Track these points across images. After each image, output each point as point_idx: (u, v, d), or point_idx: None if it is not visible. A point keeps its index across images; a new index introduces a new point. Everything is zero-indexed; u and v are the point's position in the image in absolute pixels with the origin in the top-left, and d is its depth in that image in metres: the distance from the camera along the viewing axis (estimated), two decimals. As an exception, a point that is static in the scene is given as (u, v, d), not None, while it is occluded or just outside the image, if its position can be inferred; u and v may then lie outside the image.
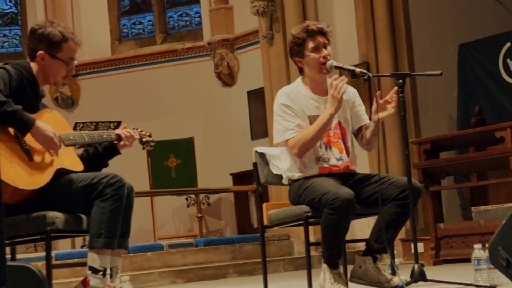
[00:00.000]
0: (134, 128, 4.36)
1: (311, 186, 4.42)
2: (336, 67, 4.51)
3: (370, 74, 4.52)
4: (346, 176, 4.53)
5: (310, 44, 4.55)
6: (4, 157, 3.73)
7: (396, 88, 4.54)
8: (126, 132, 4.23)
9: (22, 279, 3.28)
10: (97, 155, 4.24)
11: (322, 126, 4.46)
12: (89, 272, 3.85)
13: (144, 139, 4.37)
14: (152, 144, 4.40)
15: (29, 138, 3.86)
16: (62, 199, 3.90)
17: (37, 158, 3.87)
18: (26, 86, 3.94)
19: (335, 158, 4.53)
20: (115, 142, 4.22)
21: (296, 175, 4.54)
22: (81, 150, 4.25)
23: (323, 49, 4.57)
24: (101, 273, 3.84)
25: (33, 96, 3.98)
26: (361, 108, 4.74)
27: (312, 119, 4.52)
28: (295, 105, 4.53)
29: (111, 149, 4.25)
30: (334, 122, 4.56)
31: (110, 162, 4.34)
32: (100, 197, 3.86)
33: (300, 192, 4.48)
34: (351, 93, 4.71)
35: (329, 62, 4.51)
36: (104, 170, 4.32)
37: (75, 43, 4.08)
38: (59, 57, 4.02)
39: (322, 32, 4.59)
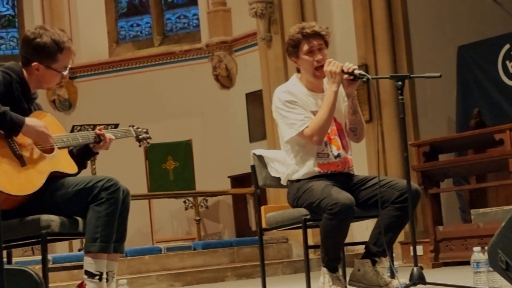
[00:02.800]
0: (130, 126, 4.33)
1: (310, 189, 4.39)
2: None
3: (369, 76, 4.49)
4: (345, 178, 4.51)
5: (305, 47, 4.53)
6: None
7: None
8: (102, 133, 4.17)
9: (19, 283, 3.27)
10: (73, 157, 4.17)
11: (331, 106, 4.43)
12: (86, 276, 3.83)
13: (140, 136, 4.35)
14: (149, 141, 4.38)
15: (20, 143, 3.83)
16: (57, 203, 3.87)
17: (29, 162, 3.84)
18: (15, 90, 3.90)
19: (333, 155, 4.52)
20: (90, 145, 4.16)
21: (296, 175, 4.51)
22: None
23: (318, 52, 4.53)
24: (97, 277, 3.82)
25: (23, 99, 3.94)
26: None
27: (314, 114, 4.49)
28: (298, 99, 4.51)
29: (86, 151, 4.19)
30: None
31: (109, 164, 4.34)
32: (95, 201, 3.84)
33: (299, 195, 4.46)
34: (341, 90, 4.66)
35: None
36: (104, 168, 4.29)
37: (70, 52, 4.05)
38: (54, 68, 3.99)
39: (318, 35, 4.54)
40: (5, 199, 3.71)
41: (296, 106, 4.50)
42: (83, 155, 4.20)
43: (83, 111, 12.20)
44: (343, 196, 4.21)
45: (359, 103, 4.76)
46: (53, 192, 3.87)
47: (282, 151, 4.66)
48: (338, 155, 4.52)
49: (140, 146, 4.42)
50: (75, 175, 4.01)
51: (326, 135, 4.51)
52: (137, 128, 4.37)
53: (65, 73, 4.06)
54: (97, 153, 4.24)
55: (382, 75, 8.61)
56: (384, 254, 4.44)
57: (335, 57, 8.51)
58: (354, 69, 4.43)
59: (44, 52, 3.96)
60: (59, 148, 3.98)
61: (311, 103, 4.54)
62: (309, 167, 4.50)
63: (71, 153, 4.17)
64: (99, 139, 4.16)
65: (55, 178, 3.90)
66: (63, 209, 3.89)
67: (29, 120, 3.82)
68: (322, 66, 4.49)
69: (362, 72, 4.48)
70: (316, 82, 4.56)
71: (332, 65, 4.42)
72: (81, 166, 4.19)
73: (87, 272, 3.83)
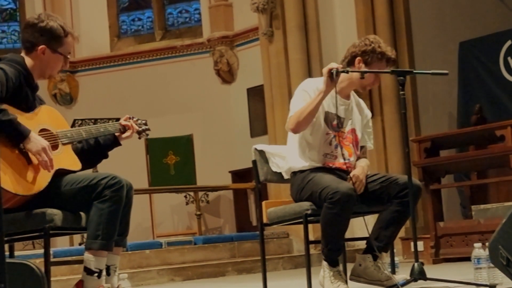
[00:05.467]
0: (129, 118, 4.34)
1: (313, 179, 4.43)
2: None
3: (351, 72, 4.52)
4: (347, 173, 4.51)
5: (377, 66, 4.57)
6: (3, 162, 3.70)
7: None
8: (128, 123, 4.24)
9: (21, 276, 3.28)
10: (98, 146, 4.23)
11: (313, 102, 4.44)
12: (84, 273, 3.82)
13: (140, 129, 4.35)
14: (148, 132, 4.39)
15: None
16: (61, 199, 3.87)
17: (35, 160, 3.83)
18: (22, 84, 3.90)
19: (343, 158, 4.53)
20: (116, 134, 4.22)
21: (300, 165, 4.52)
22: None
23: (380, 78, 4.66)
24: (96, 274, 3.81)
25: (29, 92, 3.94)
26: (368, 131, 4.79)
27: (330, 115, 4.54)
28: (314, 94, 4.51)
29: (112, 141, 4.24)
30: (348, 127, 4.60)
31: (109, 158, 4.33)
32: (98, 198, 3.84)
33: (303, 185, 4.49)
34: (368, 114, 4.79)
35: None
36: (104, 163, 4.30)
37: (74, 38, 4.07)
38: (60, 51, 4.00)
39: (392, 65, 4.64)
40: (10, 198, 3.71)
41: (306, 97, 4.52)
42: (108, 144, 4.24)
43: (84, 105, 12.21)
44: (344, 185, 4.24)
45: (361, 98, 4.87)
46: (57, 189, 3.86)
47: (289, 141, 4.66)
48: (348, 160, 4.54)
49: (139, 138, 4.43)
50: (78, 171, 4.02)
51: (338, 140, 4.54)
52: (137, 119, 4.38)
53: (67, 57, 4.07)
54: (120, 144, 4.26)
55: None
56: (385, 249, 4.46)
57: (336, 52, 8.50)
58: (330, 69, 4.43)
59: (51, 34, 3.97)
60: (63, 144, 3.98)
61: (331, 104, 4.54)
62: (314, 163, 4.52)
63: (97, 141, 4.21)
64: (123, 129, 4.22)
65: (59, 174, 3.90)
66: (66, 205, 3.89)
67: (34, 136, 3.79)
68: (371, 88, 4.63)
69: (347, 69, 4.50)
70: (349, 88, 4.61)
71: (325, 68, 4.46)
72: (103, 155, 4.24)
73: (86, 269, 3.83)
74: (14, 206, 3.76)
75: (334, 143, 4.55)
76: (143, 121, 4.40)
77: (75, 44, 4.14)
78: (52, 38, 3.97)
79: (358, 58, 4.60)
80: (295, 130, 4.51)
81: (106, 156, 4.26)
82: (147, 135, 4.41)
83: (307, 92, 4.53)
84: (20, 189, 3.72)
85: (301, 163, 4.54)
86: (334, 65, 4.42)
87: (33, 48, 3.99)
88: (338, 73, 4.40)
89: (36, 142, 3.77)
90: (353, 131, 4.63)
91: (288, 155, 4.66)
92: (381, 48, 4.59)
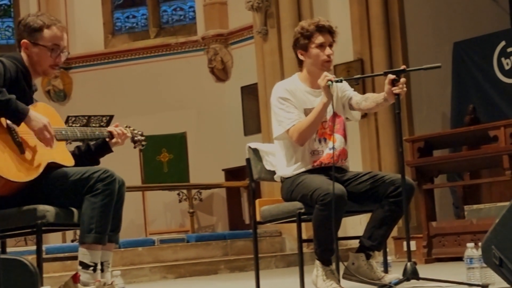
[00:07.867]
0: (126, 127, 4.34)
1: (303, 182, 4.43)
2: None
3: (342, 78, 4.52)
4: (338, 172, 4.51)
5: (318, 40, 4.56)
6: None
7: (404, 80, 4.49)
8: (118, 130, 4.22)
9: (15, 272, 3.27)
10: (89, 152, 4.23)
11: (318, 115, 4.47)
12: (80, 267, 3.83)
13: (135, 138, 4.36)
14: (143, 143, 4.39)
15: (21, 131, 3.84)
16: (53, 193, 3.87)
17: (28, 151, 3.84)
18: (20, 79, 3.91)
19: (328, 148, 4.54)
20: (107, 139, 4.21)
21: (289, 172, 4.53)
22: (73, 147, 4.23)
23: (328, 47, 4.57)
24: (91, 268, 3.82)
25: (27, 88, 3.94)
26: (348, 89, 4.72)
27: (308, 112, 4.52)
28: (293, 98, 4.53)
29: (103, 147, 4.23)
30: (329, 114, 4.56)
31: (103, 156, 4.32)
32: (91, 192, 3.84)
33: (293, 188, 4.49)
34: (341, 86, 4.70)
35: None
36: None
37: (58, 29, 4.02)
38: (41, 44, 3.98)
39: (330, 31, 4.59)
40: (2, 184, 3.71)
41: (289, 104, 4.52)
42: (99, 150, 4.23)
43: (78, 102, 12.20)
44: (335, 187, 4.22)
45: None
46: (49, 182, 3.87)
47: (276, 148, 4.67)
48: (333, 147, 4.54)
49: (134, 147, 4.43)
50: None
51: (320, 134, 4.53)
52: (133, 129, 4.38)
53: (60, 50, 4.02)
54: (112, 151, 4.25)
55: (377, 70, 8.62)
56: (378, 248, 4.47)
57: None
58: (328, 79, 4.43)
59: (30, 28, 3.98)
60: (57, 140, 3.98)
61: (309, 101, 4.56)
62: (303, 164, 4.52)
63: (88, 147, 4.20)
64: (110, 135, 4.20)
65: (51, 168, 3.90)
66: (58, 199, 3.89)
67: (34, 113, 3.80)
68: (330, 61, 4.56)
69: (340, 78, 4.50)
70: (319, 75, 4.55)
71: (321, 79, 4.44)
72: (94, 161, 4.22)
73: (81, 263, 3.83)
74: (4, 193, 3.76)
75: (317, 139, 4.55)
76: (140, 132, 4.40)
77: (67, 38, 4.10)
78: (30, 31, 3.98)
79: (298, 51, 4.59)
80: (300, 142, 4.50)
81: (97, 163, 4.25)
82: (143, 146, 4.41)
83: (286, 98, 4.53)
84: (12, 175, 3.73)
85: (290, 171, 4.55)
86: (329, 76, 4.43)
87: (20, 45, 4.01)
88: (332, 83, 4.41)
89: (37, 119, 3.79)
90: (334, 115, 4.59)
91: (276, 164, 4.66)
92: (304, 26, 4.56)
